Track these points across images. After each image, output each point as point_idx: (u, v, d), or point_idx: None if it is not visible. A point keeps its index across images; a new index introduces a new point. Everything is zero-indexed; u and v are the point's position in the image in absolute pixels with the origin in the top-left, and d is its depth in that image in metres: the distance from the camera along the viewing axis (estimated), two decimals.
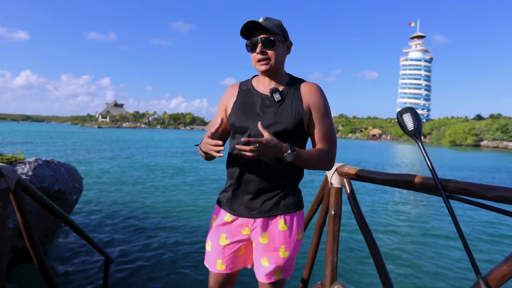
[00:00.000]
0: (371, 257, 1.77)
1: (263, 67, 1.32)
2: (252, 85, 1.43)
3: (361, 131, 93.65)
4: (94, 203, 6.48)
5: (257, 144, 1.10)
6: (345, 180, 1.93)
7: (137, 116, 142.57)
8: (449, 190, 1.19)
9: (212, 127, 1.29)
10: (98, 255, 3.65)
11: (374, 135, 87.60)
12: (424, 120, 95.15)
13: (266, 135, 1.16)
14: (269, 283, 1.39)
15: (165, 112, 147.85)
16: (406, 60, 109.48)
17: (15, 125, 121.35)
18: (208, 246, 1.45)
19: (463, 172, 16.56)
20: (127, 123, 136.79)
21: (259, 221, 1.35)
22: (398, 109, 1.29)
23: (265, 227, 1.35)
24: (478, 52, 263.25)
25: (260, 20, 1.31)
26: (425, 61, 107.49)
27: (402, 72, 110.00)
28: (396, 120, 1.32)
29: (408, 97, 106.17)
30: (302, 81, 1.40)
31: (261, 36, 1.29)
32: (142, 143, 31.13)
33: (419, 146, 1.27)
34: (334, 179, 1.96)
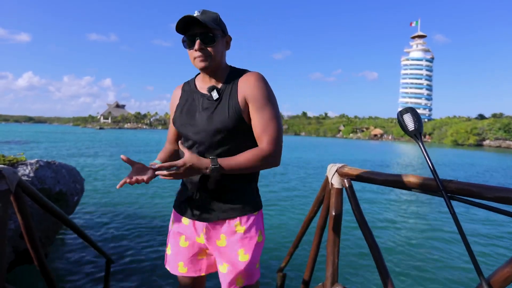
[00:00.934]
0: (372, 258, 1.76)
1: (202, 64, 1.23)
2: (195, 84, 1.36)
3: (362, 131, 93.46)
4: (94, 204, 6.50)
5: (175, 168, 1.09)
6: (345, 180, 1.92)
7: (139, 117, 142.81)
8: (451, 190, 1.18)
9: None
10: (99, 256, 3.65)
11: (375, 135, 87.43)
12: (425, 120, 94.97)
13: (186, 154, 1.12)
14: None
15: (166, 113, 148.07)
16: (407, 59, 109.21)
17: (17, 126, 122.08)
18: (169, 249, 1.43)
19: (465, 171, 16.51)
20: (128, 124, 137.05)
21: (214, 224, 1.31)
22: (400, 109, 1.28)
23: (221, 231, 1.31)
24: (479, 51, 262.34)
25: (196, 14, 1.21)
26: (427, 60, 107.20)
27: (403, 71, 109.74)
28: (397, 120, 1.30)
29: (410, 97, 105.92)
30: (243, 72, 1.30)
31: (199, 31, 1.21)
32: (142, 143, 31.17)
33: (420, 146, 1.25)
34: (334, 179, 1.95)
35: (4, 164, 3.09)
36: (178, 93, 1.41)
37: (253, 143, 1.27)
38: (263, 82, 1.26)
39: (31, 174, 3.10)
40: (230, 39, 1.33)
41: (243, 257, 1.30)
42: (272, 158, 1.23)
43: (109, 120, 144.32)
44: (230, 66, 1.35)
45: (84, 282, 3.20)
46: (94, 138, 38.97)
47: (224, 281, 1.34)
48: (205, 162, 1.13)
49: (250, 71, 1.30)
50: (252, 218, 1.32)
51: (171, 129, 1.49)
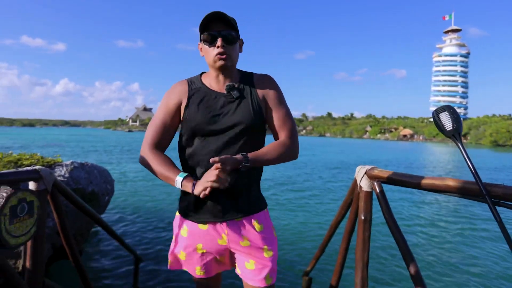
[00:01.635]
0: (404, 265, 1.68)
1: (222, 62, 1.25)
2: (203, 83, 1.34)
3: (390, 131, 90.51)
4: (124, 204, 6.72)
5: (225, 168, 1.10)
6: (375, 183, 1.85)
7: None
8: (496, 195, 1.09)
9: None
10: (129, 254, 3.76)
11: (405, 136, 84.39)
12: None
13: (223, 157, 1.12)
14: (263, 287, 1.33)
15: None
16: (440, 55, 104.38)
17: (55, 130, 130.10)
18: (182, 256, 1.38)
19: (508, 175, 15.48)
20: None
21: (233, 224, 1.30)
22: (432, 108, 1.21)
23: (242, 230, 1.31)
24: None
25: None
26: (461, 56, 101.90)
27: (435, 68, 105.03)
28: (432, 119, 1.23)
29: (443, 95, 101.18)
30: (252, 74, 1.38)
31: (224, 30, 1.23)
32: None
33: (459, 147, 1.16)
34: (363, 182, 1.88)
35: (42, 165, 3.26)
36: (183, 89, 1.33)
37: (263, 141, 1.35)
38: (276, 83, 1.38)
39: (66, 175, 3.25)
40: (242, 42, 1.37)
41: (268, 253, 1.33)
42: (293, 150, 1.32)
43: (137, 123, 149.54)
44: (238, 68, 1.40)
45: (114, 279, 3.31)
46: (123, 140, 40.51)
47: (253, 277, 1.33)
48: (239, 158, 1.16)
49: (260, 73, 1.39)
50: (266, 215, 1.38)
51: (163, 130, 1.31)
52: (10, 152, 3.58)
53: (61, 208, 2.02)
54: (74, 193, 2.17)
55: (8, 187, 1.62)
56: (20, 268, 2.44)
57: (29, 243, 1.78)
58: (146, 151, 1.29)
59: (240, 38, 1.33)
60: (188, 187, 1.18)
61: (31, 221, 1.69)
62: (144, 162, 1.29)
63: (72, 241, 2.14)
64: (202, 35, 1.27)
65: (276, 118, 1.33)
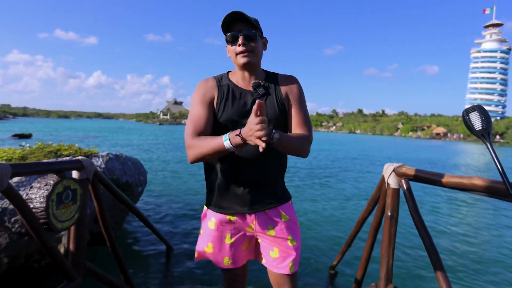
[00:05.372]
0: (428, 261, 1.67)
1: (245, 59, 1.30)
2: (230, 81, 1.39)
3: (423, 129, 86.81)
4: (156, 195, 6.99)
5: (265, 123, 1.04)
6: (403, 181, 1.84)
7: None
8: None
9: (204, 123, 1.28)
10: (160, 243, 3.93)
11: (438, 134, 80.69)
12: (498, 118, 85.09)
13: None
14: (287, 274, 1.41)
15: None
16: (479, 51, 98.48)
17: (89, 121, 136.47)
18: (210, 248, 1.45)
19: None
20: (185, 120, 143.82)
21: (261, 215, 1.38)
22: (468, 106, 1.22)
23: (269, 220, 1.39)
24: None
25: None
26: (502, 52, 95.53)
27: (473, 65, 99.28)
28: (462, 119, 1.24)
29: (480, 93, 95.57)
30: (277, 74, 1.44)
31: (243, 28, 1.29)
32: None
33: (487, 147, 1.19)
34: (391, 179, 1.88)
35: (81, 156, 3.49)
36: (213, 85, 1.37)
37: None
38: (300, 84, 1.44)
39: (102, 166, 3.46)
40: (267, 41, 1.43)
41: (292, 242, 1.41)
42: (308, 148, 1.34)
43: (168, 117, 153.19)
44: (263, 69, 1.46)
45: (146, 266, 3.48)
46: (155, 133, 41.84)
47: (276, 265, 1.42)
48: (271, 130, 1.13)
49: (285, 74, 1.45)
50: (290, 206, 1.46)
51: (204, 122, 1.31)
52: (50, 143, 3.86)
53: (100, 197, 2.17)
54: (112, 183, 2.32)
55: (55, 175, 1.78)
56: (62, 251, 2.65)
57: (72, 228, 1.94)
58: (190, 141, 1.27)
59: (264, 37, 1.39)
60: (235, 134, 1.13)
61: (75, 208, 1.84)
62: (192, 152, 1.25)
63: (110, 227, 2.30)
64: (225, 37, 1.34)
65: (298, 116, 1.37)
